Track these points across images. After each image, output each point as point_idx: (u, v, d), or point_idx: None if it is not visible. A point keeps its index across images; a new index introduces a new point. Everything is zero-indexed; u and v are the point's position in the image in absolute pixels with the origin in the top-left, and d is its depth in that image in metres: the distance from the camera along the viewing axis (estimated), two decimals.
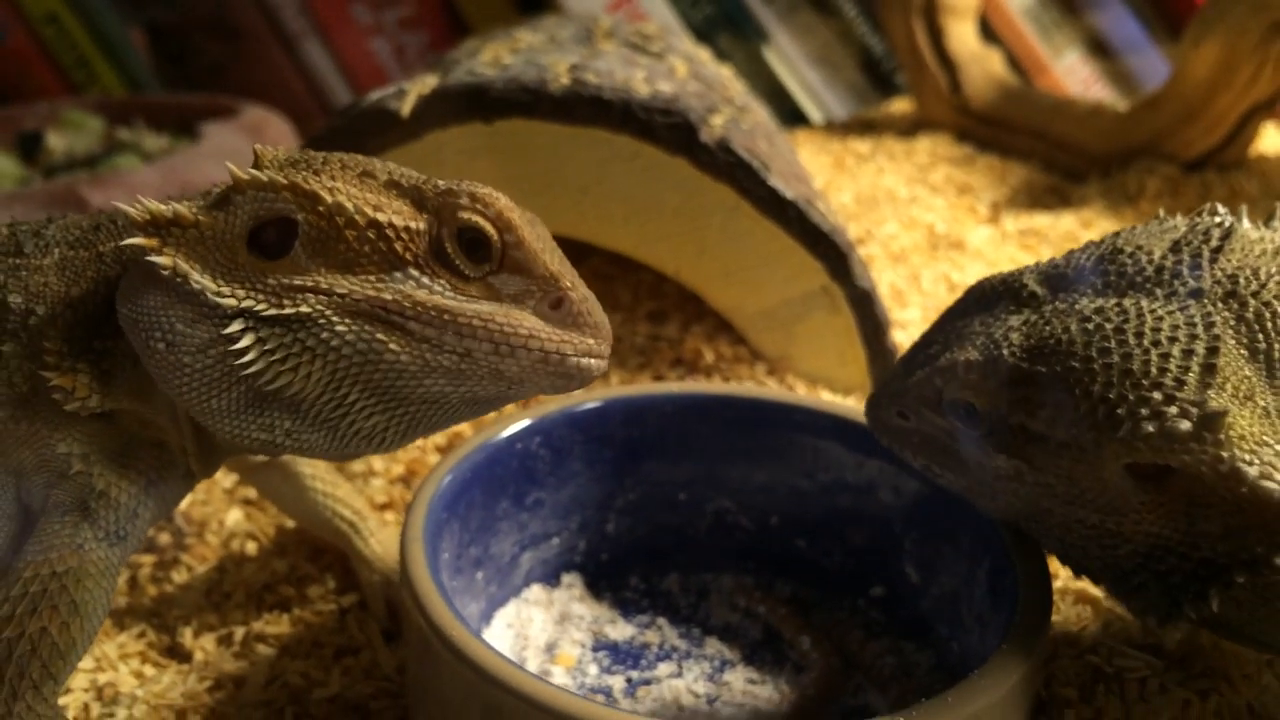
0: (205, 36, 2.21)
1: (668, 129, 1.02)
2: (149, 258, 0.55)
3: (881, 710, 0.74)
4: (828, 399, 1.07)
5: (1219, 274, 0.60)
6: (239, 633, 0.81)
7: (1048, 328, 0.61)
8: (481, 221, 0.57)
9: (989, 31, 2.22)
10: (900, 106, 2.21)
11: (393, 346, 0.57)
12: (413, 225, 0.57)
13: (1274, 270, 0.60)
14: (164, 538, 0.91)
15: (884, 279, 1.34)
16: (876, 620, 0.82)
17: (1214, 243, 0.62)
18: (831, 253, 1.05)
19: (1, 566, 0.61)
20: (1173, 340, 0.57)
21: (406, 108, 1.02)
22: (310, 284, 0.56)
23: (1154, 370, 0.56)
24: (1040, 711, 0.69)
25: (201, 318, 0.55)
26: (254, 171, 0.57)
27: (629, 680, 0.77)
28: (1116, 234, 0.66)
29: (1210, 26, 1.58)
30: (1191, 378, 0.56)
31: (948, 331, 0.67)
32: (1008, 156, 1.84)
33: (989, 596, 0.71)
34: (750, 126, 1.14)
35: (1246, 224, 0.65)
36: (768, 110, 1.56)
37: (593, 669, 0.78)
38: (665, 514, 0.86)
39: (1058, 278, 0.65)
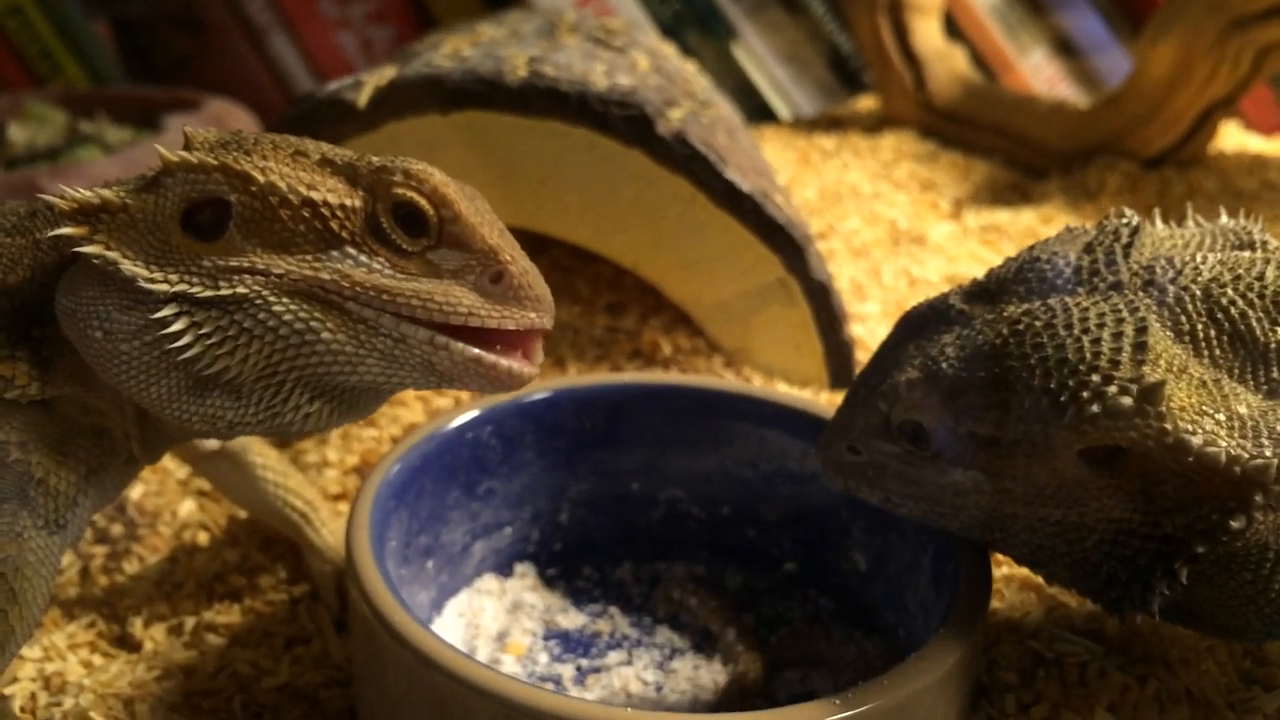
0: (171, 29, 2.20)
1: (624, 121, 1.02)
2: (79, 249, 0.55)
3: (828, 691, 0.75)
4: (784, 390, 1.08)
5: (1135, 266, 0.63)
6: (189, 622, 0.80)
7: (980, 336, 0.63)
8: (416, 197, 0.57)
9: (955, 29, 2.23)
10: (866, 103, 2.22)
11: (330, 326, 0.56)
12: (347, 203, 0.57)
13: (1188, 258, 0.62)
14: (116, 528, 0.90)
15: (844, 273, 1.35)
16: (826, 608, 0.83)
17: (1124, 240, 0.65)
18: (788, 245, 1.06)
19: None
20: (1101, 326, 0.59)
21: (363, 99, 1.02)
22: (246, 265, 0.56)
23: (1088, 355, 0.58)
24: (981, 696, 0.69)
25: (135, 304, 0.55)
26: (183, 153, 0.57)
27: (579, 668, 0.77)
28: (1031, 246, 0.69)
29: (1168, 25, 1.59)
30: (1125, 357, 0.57)
31: (885, 363, 0.68)
32: (971, 153, 1.85)
33: (933, 584, 0.71)
34: (710, 121, 1.14)
35: (1158, 224, 0.68)
36: (735, 107, 1.56)
37: (543, 657, 0.78)
38: (618, 503, 0.86)
39: (981, 293, 0.67)
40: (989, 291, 0.67)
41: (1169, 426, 0.56)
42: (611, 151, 1.03)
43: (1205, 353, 0.60)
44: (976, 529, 0.65)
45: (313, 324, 0.56)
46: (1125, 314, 0.59)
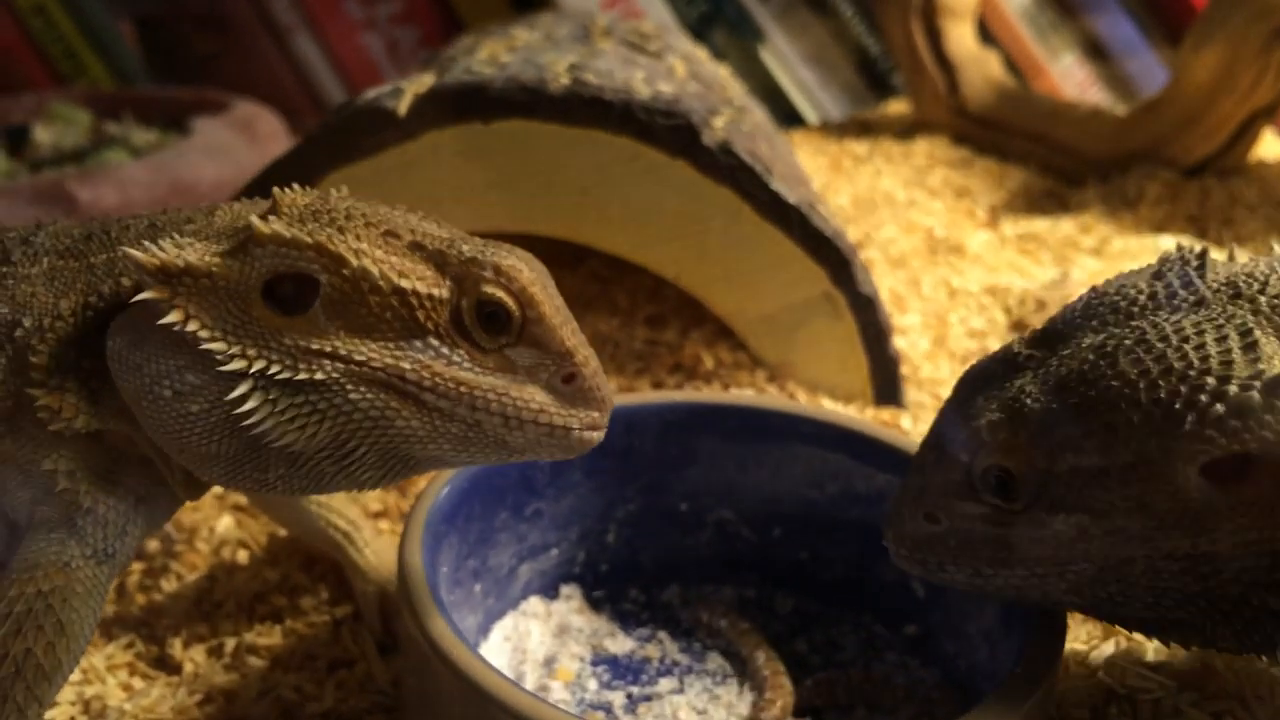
0: (195, 29, 2.19)
1: (669, 131, 1.00)
2: (162, 321, 0.53)
3: None
4: (829, 406, 1.06)
5: (1214, 284, 0.59)
6: (230, 644, 0.79)
7: (1063, 368, 0.58)
8: (504, 296, 0.56)
9: (986, 34, 2.20)
10: (897, 108, 2.20)
11: (404, 414, 0.56)
12: (435, 293, 0.56)
13: (1270, 270, 0.59)
14: (153, 544, 0.89)
15: (883, 284, 1.32)
16: (881, 635, 0.81)
17: (1194, 263, 0.61)
18: (834, 258, 1.04)
19: None
20: (1201, 333, 0.55)
21: (403, 107, 1.00)
22: (329, 349, 0.54)
23: (1195, 361, 0.54)
24: None
25: (207, 369, 0.54)
26: (277, 227, 0.55)
27: (629, 696, 0.75)
28: (1092, 289, 0.65)
29: (1211, 32, 1.57)
30: (1237, 357, 0.53)
31: (954, 421, 0.63)
32: (1005, 160, 1.83)
33: (999, 614, 0.69)
34: (750, 128, 1.12)
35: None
36: (764, 111, 1.54)
37: (592, 684, 0.76)
38: (666, 525, 0.84)
39: (1049, 335, 0.63)
40: (1056, 333, 0.62)
41: None
42: (655, 162, 1.01)
43: None
44: (1085, 588, 0.59)
45: (387, 413, 0.55)
46: (1223, 321, 0.55)
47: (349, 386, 0.55)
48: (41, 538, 0.58)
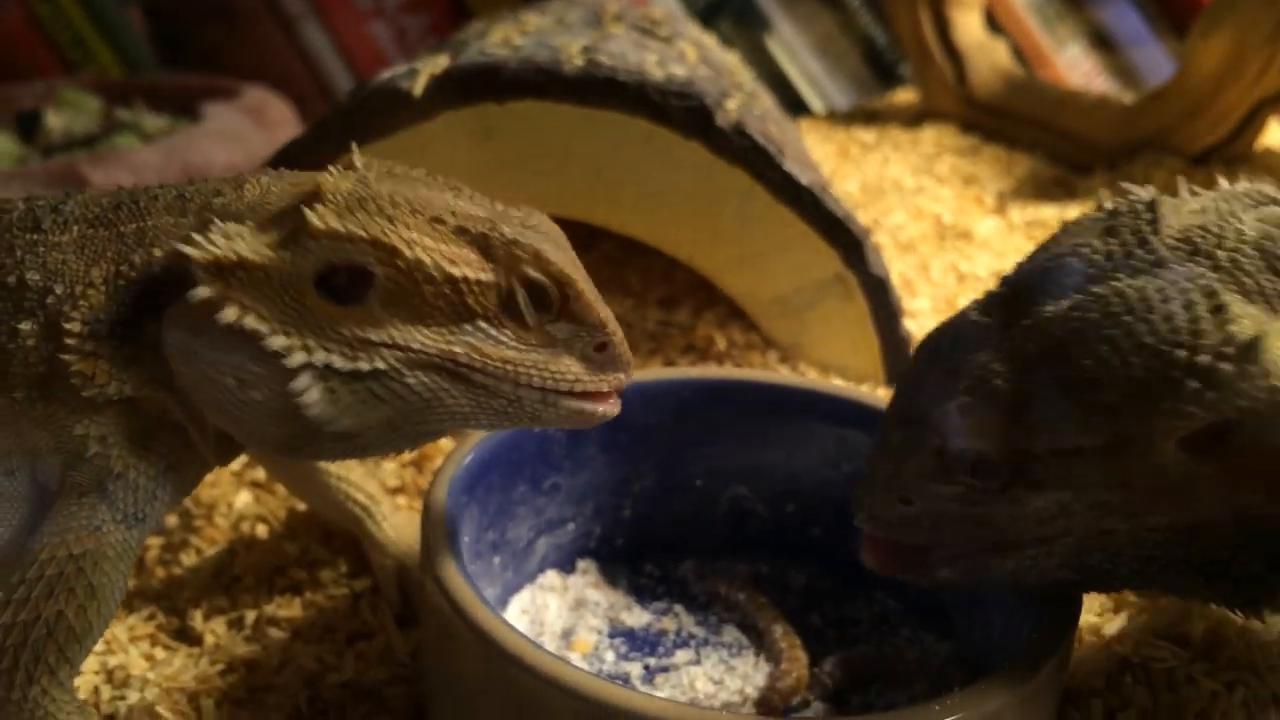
0: (203, 17, 2.19)
1: (683, 112, 1.01)
2: (218, 317, 0.55)
3: (903, 703, 0.73)
4: (841, 385, 1.06)
5: (1170, 240, 0.57)
6: (250, 616, 0.80)
7: (1029, 343, 0.56)
8: (546, 280, 0.59)
9: (992, 23, 2.21)
10: (904, 97, 2.20)
11: (454, 393, 0.59)
12: (483, 278, 0.58)
13: (1222, 223, 0.57)
14: (171, 520, 0.90)
15: (893, 268, 1.32)
16: (894, 610, 0.81)
17: (1146, 217, 0.59)
18: (846, 239, 1.04)
19: (18, 548, 0.60)
20: (1166, 300, 0.53)
21: (418, 87, 1.01)
22: (386, 339, 0.57)
23: (1165, 332, 0.52)
24: (1065, 701, 0.68)
25: (267, 359, 0.56)
26: (330, 220, 0.56)
27: (647, 667, 0.76)
28: (1043, 245, 0.63)
29: (1219, 19, 1.57)
30: (1206, 324, 0.52)
31: (918, 395, 0.62)
32: (1013, 147, 1.83)
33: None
34: (761, 112, 1.13)
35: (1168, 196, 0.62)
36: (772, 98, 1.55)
37: (610, 655, 0.77)
38: (681, 500, 0.85)
39: (1006, 300, 0.61)
40: (1014, 298, 0.60)
41: (1278, 381, 0.50)
42: (669, 142, 1.02)
43: (1277, 308, 0.54)
44: (1071, 561, 0.58)
45: (439, 394, 0.58)
46: (1185, 283, 0.53)
47: (405, 372, 0.57)
48: (73, 502, 0.58)
